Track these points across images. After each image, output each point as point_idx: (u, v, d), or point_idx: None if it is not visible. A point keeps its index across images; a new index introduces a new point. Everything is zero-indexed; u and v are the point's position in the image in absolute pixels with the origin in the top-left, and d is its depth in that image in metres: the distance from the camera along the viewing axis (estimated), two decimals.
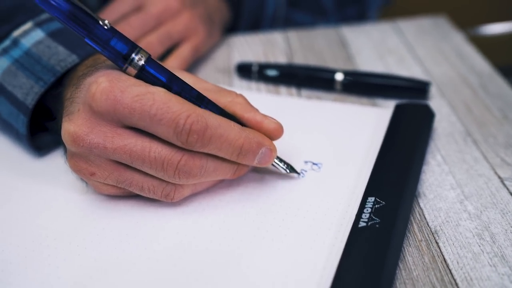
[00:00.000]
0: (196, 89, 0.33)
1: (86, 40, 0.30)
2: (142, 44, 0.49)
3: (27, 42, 0.38)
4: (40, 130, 0.40)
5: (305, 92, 0.49)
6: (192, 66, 0.54)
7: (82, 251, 0.32)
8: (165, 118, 0.30)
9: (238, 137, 0.32)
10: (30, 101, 0.37)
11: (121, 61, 0.31)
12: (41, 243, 0.32)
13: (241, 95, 0.35)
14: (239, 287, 0.29)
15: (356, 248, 0.30)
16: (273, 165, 0.35)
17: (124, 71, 0.31)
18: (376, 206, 0.32)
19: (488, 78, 0.49)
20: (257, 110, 0.35)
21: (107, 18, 0.47)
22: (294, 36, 0.60)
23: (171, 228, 0.33)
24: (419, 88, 0.45)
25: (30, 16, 0.39)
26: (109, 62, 0.33)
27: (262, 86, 0.51)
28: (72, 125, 0.31)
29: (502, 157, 0.39)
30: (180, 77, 0.33)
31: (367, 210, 0.32)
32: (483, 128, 0.42)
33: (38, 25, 0.39)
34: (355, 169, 0.37)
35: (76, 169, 0.33)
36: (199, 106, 0.32)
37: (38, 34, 0.38)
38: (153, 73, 0.32)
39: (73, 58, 0.37)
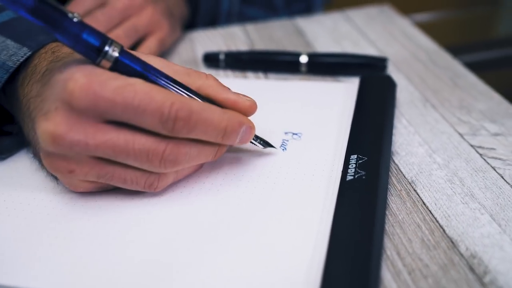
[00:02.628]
0: (166, 72, 0.33)
1: (57, 35, 0.29)
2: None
3: None
4: None
5: (271, 75, 0.52)
6: None
7: (61, 251, 0.31)
8: (149, 108, 0.29)
9: (221, 119, 0.32)
10: None
11: (94, 54, 0.30)
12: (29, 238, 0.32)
13: (211, 76, 0.35)
14: (247, 246, 0.31)
15: (348, 198, 0.33)
16: (251, 142, 0.37)
17: (98, 65, 0.31)
18: (360, 161, 0.35)
19: (435, 54, 0.54)
20: (229, 89, 0.35)
21: None
22: (252, 29, 0.62)
23: (158, 220, 0.33)
24: (378, 64, 0.49)
25: None
26: (76, 55, 0.32)
27: (230, 73, 0.53)
28: (51, 124, 0.30)
29: (458, 117, 0.43)
30: (150, 61, 0.33)
31: (352, 165, 0.35)
32: (438, 95, 0.47)
33: None
34: (333, 134, 0.40)
35: (52, 168, 0.32)
36: (175, 91, 0.32)
37: None
38: (128, 64, 0.31)
39: (24, 51, 0.35)
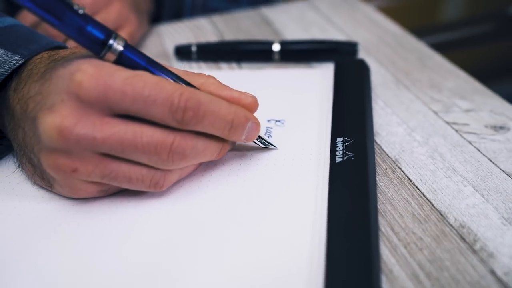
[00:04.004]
0: None
1: (60, 27, 0.29)
2: None
3: None
4: None
5: (245, 65, 0.52)
6: None
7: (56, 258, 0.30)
8: (159, 98, 0.29)
9: (228, 112, 0.32)
10: None
11: (99, 47, 0.30)
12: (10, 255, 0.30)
13: (211, 76, 0.35)
14: (245, 242, 0.31)
15: (340, 180, 0.34)
16: (254, 141, 0.36)
17: (102, 58, 0.30)
18: (346, 143, 0.36)
19: (402, 37, 0.56)
20: (230, 88, 0.35)
21: None
22: (219, 20, 0.62)
23: (156, 221, 0.32)
24: (350, 49, 0.51)
25: None
26: (79, 53, 0.32)
27: (203, 65, 0.53)
28: (57, 117, 0.29)
29: (431, 95, 0.45)
30: None
31: (339, 148, 0.36)
32: (409, 76, 0.48)
33: None
34: (316, 119, 0.41)
35: (55, 168, 0.30)
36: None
37: None
38: (133, 58, 0.31)
39: (16, 59, 0.34)
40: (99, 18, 0.50)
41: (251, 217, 0.32)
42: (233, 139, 0.34)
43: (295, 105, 0.43)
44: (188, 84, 0.33)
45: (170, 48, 0.55)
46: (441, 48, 0.58)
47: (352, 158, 0.35)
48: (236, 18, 0.62)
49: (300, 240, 0.30)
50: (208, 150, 0.33)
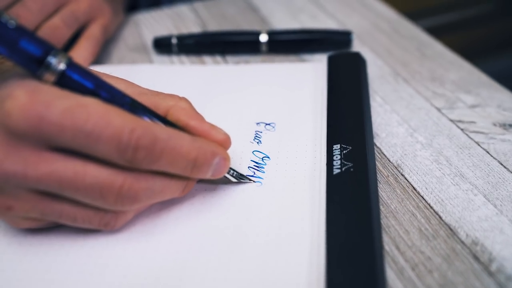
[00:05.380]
0: (131, 92, 0.29)
1: None
2: (46, 28, 0.44)
3: None
4: None
5: (230, 58, 0.48)
6: (103, 50, 0.49)
7: None
8: (104, 135, 0.25)
9: (191, 149, 0.27)
10: None
11: (35, 65, 0.25)
12: None
13: (184, 99, 0.31)
14: (241, 268, 0.28)
15: (338, 194, 0.30)
16: (225, 176, 0.31)
17: (40, 78, 0.26)
18: (344, 151, 0.33)
19: (397, 23, 0.52)
20: (202, 117, 0.30)
21: None
22: (202, 7, 0.58)
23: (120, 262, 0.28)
24: (343, 39, 0.47)
25: None
26: (19, 69, 0.27)
27: (185, 58, 0.49)
28: None
29: (432, 90, 0.42)
30: (111, 80, 0.29)
31: (337, 157, 0.33)
32: (407, 67, 0.45)
33: None
34: (309, 121, 0.37)
35: None
36: (135, 113, 0.27)
37: None
38: (77, 79, 0.26)
39: None
40: (68, 10, 0.45)
41: (243, 245, 0.29)
42: (197, 177, 0.29)
43: (286, 105, 0.39)
44: (149, 111, 0.28)
45: (149, 40, 0.51)
46: (437, 31, 0.55)
47: (351, 169, 0.31)
48: (219, 4, 0.58)
49: (297, 268, 0.27)
50: (168, 189, 0.29)
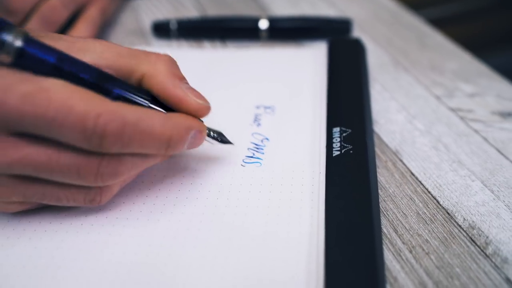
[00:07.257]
0: (108, 55, 0.27)
1: None
2: (44, 9, 0.43)
3: None
4: None
5: (230, 44, 0.48)
6: (101, 34, 0.49)
7: None
8: (67, 122, 0.23)
9: (163, 130, 0.26)
10: None
11: None
12: None
13: (164, 57, 0.29)
14: (242, 244, 0.28)
15: (338, 175, 0.30)
16: (206, 139, 0.30)
17: None
18: (344, 134, 0.33)
19: (397, 13, 0.52)
20: (179, 78, 0.28)
21: None
22: None
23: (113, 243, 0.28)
24: (342, 27, 0.47)
25: None
26: None
27: (184, 43, 0.48)
28: None
29: (432, 78, 0.42)
30: (88, 44, 0.27)
31: (336, 139, 0.33)
32: (407, 56, 0.45)
33: None
34: (309, 105, 0.37)
35: None
36: (103, 87, 0.26)
37: None
38: (38, 55, 0.24)
39: None
40: None
41: (244, 221, 0.29)
42: (173, 153, 0.28)
43: (285, 89, 0.39)
44: (119, 85, 0.26)
45: (147, 25, 0.51)
46: (439, 23, 0.55)
47: (351, 151, 0.31)
48: None
49: (297, 248, 0.27)
50: (151, 157, 0.27)
